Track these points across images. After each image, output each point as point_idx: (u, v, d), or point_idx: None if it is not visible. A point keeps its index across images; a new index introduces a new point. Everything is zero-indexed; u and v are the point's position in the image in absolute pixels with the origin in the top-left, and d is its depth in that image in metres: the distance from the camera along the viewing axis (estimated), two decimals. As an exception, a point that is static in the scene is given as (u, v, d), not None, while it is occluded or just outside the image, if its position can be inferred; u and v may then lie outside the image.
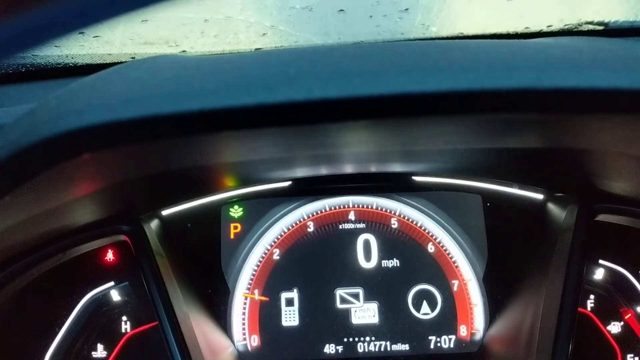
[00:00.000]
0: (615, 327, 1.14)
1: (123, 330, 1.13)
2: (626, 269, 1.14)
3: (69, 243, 1.01)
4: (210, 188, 1.13)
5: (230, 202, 1.20)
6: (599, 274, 1.14)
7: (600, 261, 1.14)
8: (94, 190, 0.83)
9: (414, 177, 1.20)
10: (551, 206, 1.17)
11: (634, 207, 1.06)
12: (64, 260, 1.04)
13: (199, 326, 1.10)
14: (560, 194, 1.14)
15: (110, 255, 1.13)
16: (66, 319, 1.11)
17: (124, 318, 1.13)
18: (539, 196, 1.19)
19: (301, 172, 1.11)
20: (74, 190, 0.79)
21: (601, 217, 1.08)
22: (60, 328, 1.10)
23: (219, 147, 0.78)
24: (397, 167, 1.11)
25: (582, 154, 0.88)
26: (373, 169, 1.12)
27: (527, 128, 0.76)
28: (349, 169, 1.10)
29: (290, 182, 1.19)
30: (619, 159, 0.87)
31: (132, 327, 1.13)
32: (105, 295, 1.12)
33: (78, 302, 1.11)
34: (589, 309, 1.14)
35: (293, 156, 0.96)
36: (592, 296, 1.14)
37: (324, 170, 1.11)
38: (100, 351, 1.12)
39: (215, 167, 0.98)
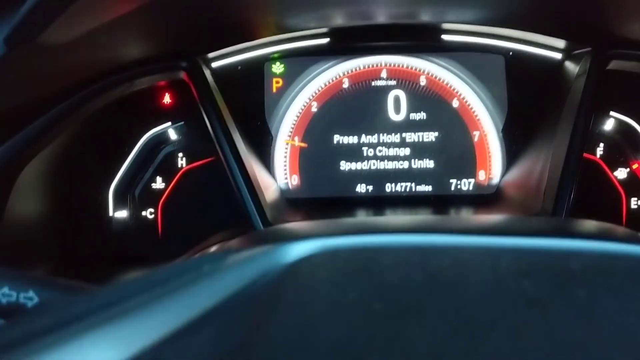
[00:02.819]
0: (621, 173, 1.25)
1: (179, 166, 1.28)
2: (636, 120, 1.24)
3: (132, 74, 1.13)
4: (253, 32, 1.23)
5: (272, 58, 1.32)
6: (609, 125, 1.25)
7: (611, 112, 1.25)
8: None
9: (442, 36, 1.30)
10: (568, 64, 1.26)
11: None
12: (128, 92, 1.16)
13: (250, 165, 1.23)
14: (578, 51, 1.24)
15: (167, 97, 1.26)
16: (129, 153, 1.26)
17: (180, 155, 1.28)
18: (557, 55, 1.28)
19: (336, 19, 1.20)
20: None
21: (614, 65, 1.17)
22: (123, 161, 1.26)
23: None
24: (427, 16, 1.20)
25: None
26: (405, 19, 1.21)
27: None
28: (381, 17, 1.20)
29: (327, 40, 1.30)
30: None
31: (188, 162, 1.27)
32: (163, 133, 1.27)
33: (139, 138, 1.26)
34: (598, 156, 1.26)
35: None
36: (601, 144, 1.25)
37: (358, 18, 1.21)
38: (159, 183, 1.27)
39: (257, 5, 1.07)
